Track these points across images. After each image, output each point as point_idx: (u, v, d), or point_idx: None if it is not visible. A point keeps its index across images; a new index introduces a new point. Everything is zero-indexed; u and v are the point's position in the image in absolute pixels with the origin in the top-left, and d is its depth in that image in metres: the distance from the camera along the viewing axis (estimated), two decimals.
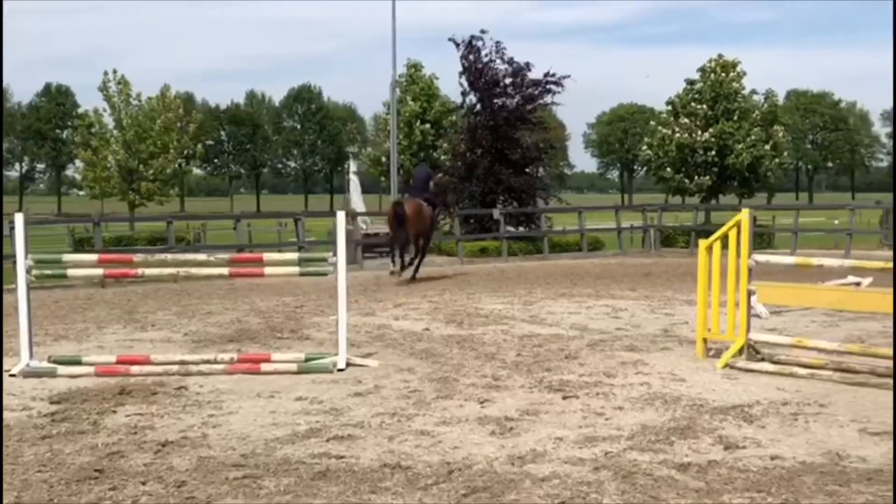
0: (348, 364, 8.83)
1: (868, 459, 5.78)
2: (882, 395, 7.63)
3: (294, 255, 10.11)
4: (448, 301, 14.76)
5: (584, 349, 9.96)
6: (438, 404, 7.34)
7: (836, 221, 37.00)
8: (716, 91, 36.34)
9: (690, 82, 37.71)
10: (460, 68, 29.75)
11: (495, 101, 29.51)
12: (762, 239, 31.87)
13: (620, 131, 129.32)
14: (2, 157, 37.22)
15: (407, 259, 18.46)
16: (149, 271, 9.83)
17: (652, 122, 40.62)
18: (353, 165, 32.05)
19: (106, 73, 47.62)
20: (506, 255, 24.55)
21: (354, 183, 29.87)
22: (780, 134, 37.41)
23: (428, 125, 40.29)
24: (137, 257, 9.78)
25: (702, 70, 37.23)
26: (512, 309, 13.69)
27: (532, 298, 15.11)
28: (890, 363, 8.57)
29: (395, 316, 12.87)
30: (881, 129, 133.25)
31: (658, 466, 5.63)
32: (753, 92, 37.97)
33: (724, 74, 36.60)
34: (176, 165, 53.48)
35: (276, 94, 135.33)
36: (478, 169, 28.79)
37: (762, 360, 9.01)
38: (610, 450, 6.01)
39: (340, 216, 9.30)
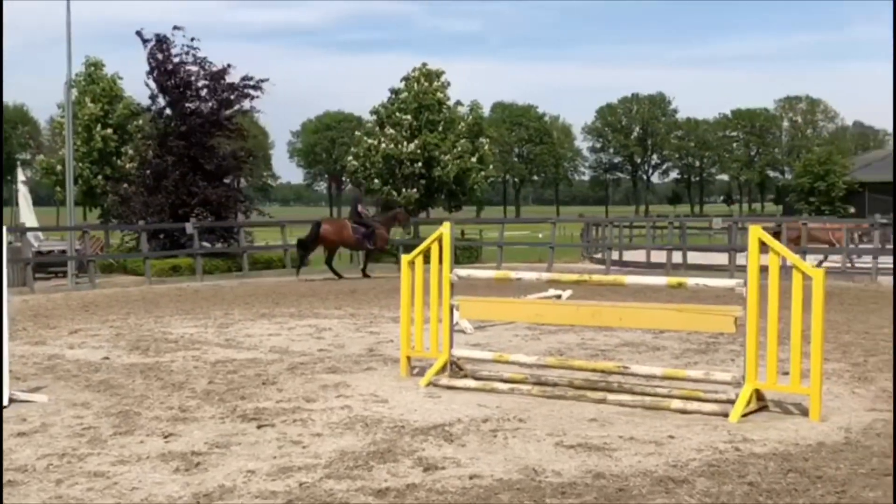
0: (11, 400, 8.26)
1: (563, 473, 6.16)
2: (577, 407, 8.18)
3: None
4: (133, 326, 14.20)
5: (284, 373, 9.91)
6: (116, 441, 7.03)
7: (541, 235, 39.39)
8: (419, 101, 37.45)
9: (395, 91, 38.63)
10: (148, 68, 28.83)
11: (187, 104, 28.84)
12: (470, 253, 33.28)
13: (327, 140, 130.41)
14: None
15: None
16: None
17: (357, 132, 41.13)
18: (21, 174, 30.07)
19: None
20: (201, 274, 23.96)
21: (24, 194, 28.04)
22: (486, 146, 39.14)
23: (110, 130, 38.57)
24: None
25: (406, 79, 38.23)
26: (206, 332, 13.40)
27: (229, 320, 14.86)
28: (587, 374, 9.23)
29: (70, 344, 12.20)
30: (583, 143, 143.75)
31: (355, 494, 5.69)
32: (459, 103, 39.48)
33: (427, 84, 37.80)
34: None
35: None
36: (168, 179, 27.97)
37: (465, 376, 9.39)
38: (305, 480, 6.00)
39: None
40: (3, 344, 8.41)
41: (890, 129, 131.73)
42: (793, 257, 7.90)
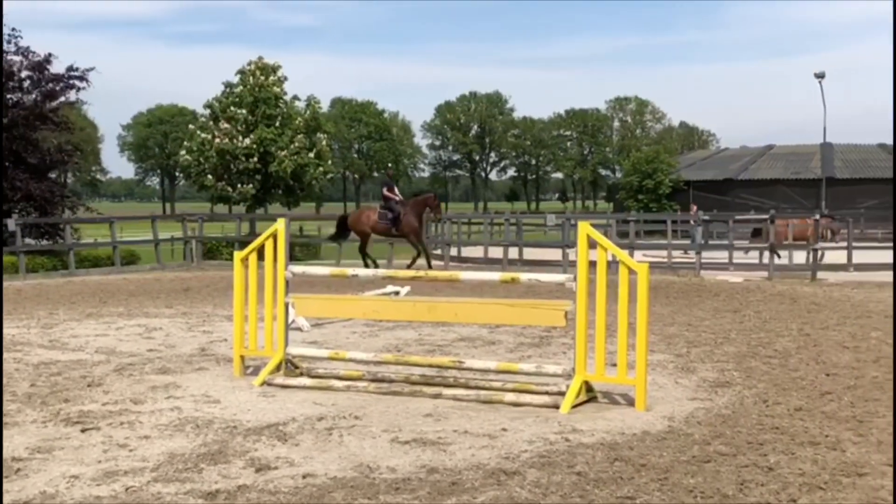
0: None
1: (397, 469, 6.18)
2: (413, 402, 8.23)
3: None
4: None
5: (111, 375, 9.59)
6: None
7: None
8: (255, 95, 36.80)
9: (229, 85, 37.84)
10: None
11: (9, 96, 27.52)
12: (309, 249, 33.03)
13: (160, 134, 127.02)
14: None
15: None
16: None
17: (191, 126, 40.04)
18: None
19: None
20: (24, 273, 22.94)
21: None
22: (324, 142, 38.80)
23: None
24: None
25: (241, 73, 37.50)
26: (28, 334, 12.82)
27: (53, 321, 14.27)
28: (423, 370, 9.30)
29: None
30: (422, 141, 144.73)
31: (184, 497, 5.55)
32: (296, 98, 38.95)
33: (263, 78, 37.18)
34: None
35: None
36: None
37: (301, 374, 9.30)
38: (132, 484, 5.82)
39: None
40: None
41: (713, 130, 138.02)
42: (619, 252, 8.16)
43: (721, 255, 26.47)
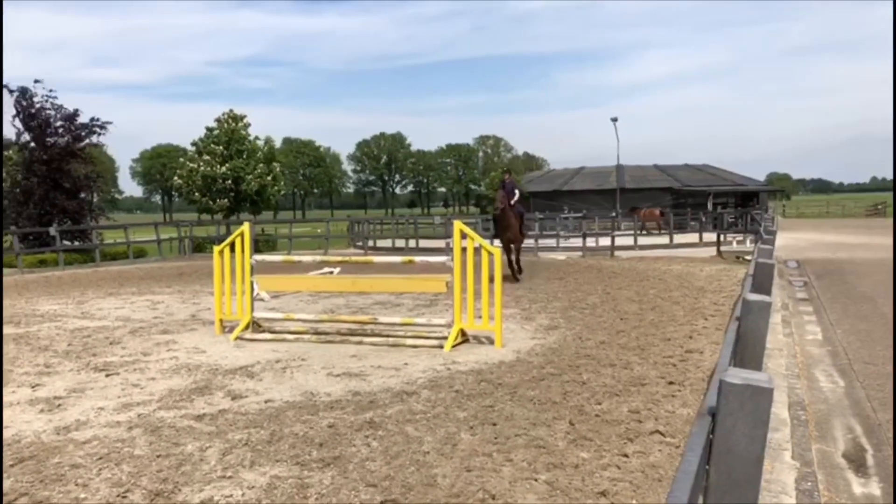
0: None
1: (332, 393, 6.14)
2: (343, 348, 8.16)
3: None
4: (7, 305, 12.74)
5: (127, 336, 9.25)
6: None
7: (319, 230, 38.76)
8: (229, 136, 35.94)
9: (209, 129, 36.87)
10: (14, 112, 25.94)
11: (48, 139, 26.13)
12: (269, 244, 32.31)
13: (160, 165, 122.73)
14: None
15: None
16: None
17: (181, 159, 38.81)
18: None
19: None
20: (62, 265, 21.87)
21: None
22: (278, 169, 38.10)
23: None
24: None
25: (218, 120, 36.66)
26: (66, 308, 12.25)
27: (84, 298, 13.66)
28: (349, 325, 9.21)
29: None
30: (348, 167, 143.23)
31: (180, 419, 5.42)
32: (257, 138, 38.19)
33: (234, 124, 36.33)
34: None
35: None
36: (35, 195, 25.33)
37: (263, 331, 9.13)
38: (143, 412, 5.65)
39: None
40: None
41: (545, 156, 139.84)
42: (482, 241, 8.23)
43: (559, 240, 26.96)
